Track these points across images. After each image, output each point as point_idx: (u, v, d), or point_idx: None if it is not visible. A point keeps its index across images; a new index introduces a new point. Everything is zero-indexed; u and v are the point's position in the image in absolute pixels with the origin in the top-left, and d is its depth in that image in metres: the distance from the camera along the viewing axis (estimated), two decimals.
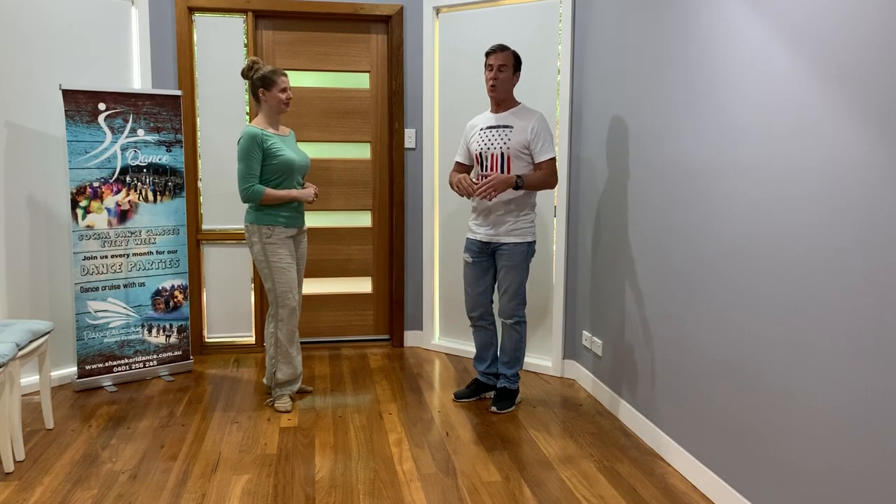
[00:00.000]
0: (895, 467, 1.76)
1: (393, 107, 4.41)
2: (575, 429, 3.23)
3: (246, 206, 3.36)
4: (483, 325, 3.55)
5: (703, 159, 2.61)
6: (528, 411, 3.45)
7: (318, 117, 4.44)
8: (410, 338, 4.57)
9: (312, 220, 4.53)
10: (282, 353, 3.44)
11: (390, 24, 4.34)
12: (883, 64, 1.78)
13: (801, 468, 2.11)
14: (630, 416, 3.24)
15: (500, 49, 3.29)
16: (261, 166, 3.30)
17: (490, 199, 3.25)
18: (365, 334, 4.66)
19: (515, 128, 3.32)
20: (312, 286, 4.58)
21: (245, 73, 3.38)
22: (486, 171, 3.39)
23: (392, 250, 4.54)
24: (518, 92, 3.99)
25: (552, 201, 3.96)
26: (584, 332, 3.82)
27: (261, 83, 3.34)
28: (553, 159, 3.31)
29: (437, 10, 4.28)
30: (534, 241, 3.40)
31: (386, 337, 4.69)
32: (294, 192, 3.34)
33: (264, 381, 3.69)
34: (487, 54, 3.31)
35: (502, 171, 3.35)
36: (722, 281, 2.50)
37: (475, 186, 3.23)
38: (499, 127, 3.37)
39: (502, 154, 3.34)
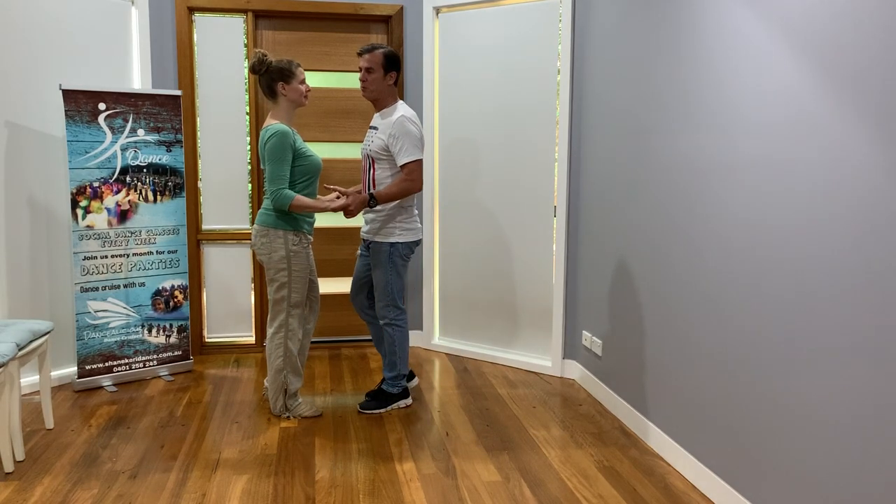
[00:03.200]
0: (895, 467, 1.77)
1: None
2: (575, 429, 3.23)
3: (264, 207, 3.19)
4: (366, 318, 3.58)
5: (703, 159, 2.61)
6: (528, 411, 3.45)
7: (319, 117, 4.44)
8: (411, 338, 4.57)
9: None
10: (291, 364, 3.27)
11: (390, 24, 4.35)
12: (884, 63, 1.78)
13: (800, 468, 2.11)
14: (630, 416, 3.24)
15: (367, 50, 3.24)
16: (290, 168, 3.12)
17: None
18: (365, 334, 4.66)
19: (379, 129, 3.28)
20: None
21: (256, 69, 3.12)
22: (363, 173, 3.39)
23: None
24: (518, 92, 3.99)
25: (552, 201, 3.96)
26: (584, 332, 3.82)
27: (279, 76, 3.12)
28: (414, 162, 3.21)
29: (437, 10, 4.28)
30: (401, 243, 3.31)
31: None
32: (329, 205, 3.15)
33: (265, 388, 3.48)
34: (357, 55, 3.29)
35: (368, 174, 3.34)
36: (722, 280, 2.50)
37: (331, 205, 3.20)
38: (371, 128, 3.37)
39: (368, 156, 3.34)
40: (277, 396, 3.30)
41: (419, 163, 3.23)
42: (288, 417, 3.32)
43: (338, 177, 4.47)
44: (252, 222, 4.37)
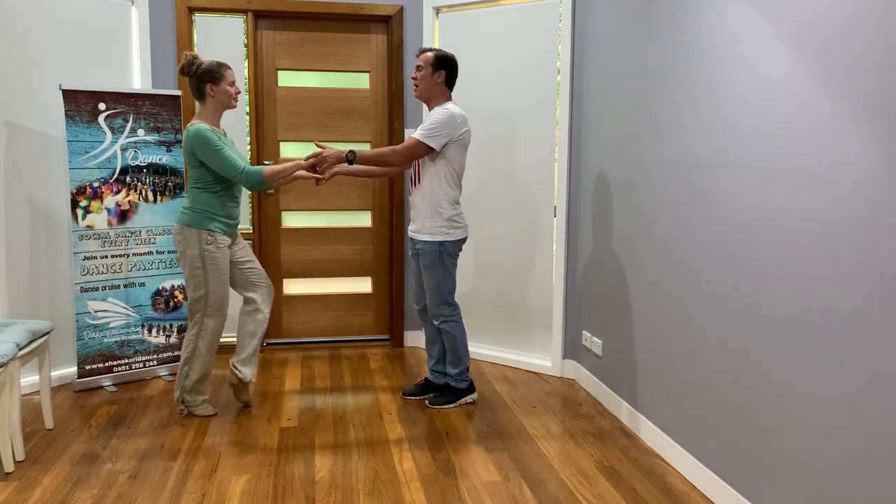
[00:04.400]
0: (894, 466, 1.77)
1: (393, 107, 4.41)
2: (575, 429, 3.23)
3: (184, 206, 3.18)
4: (426, 319, 3.58)
5: (703, 159, 2.61)
6: (529, 411, 3.45)
7: (318, 117, 4.44)
8: (410, 338, 4.57)
9: (312, 219, 4.53)
10: (199, 363, 3.26)
11: (390, 24, 4.35)
12: (884, 63, 1.78)
13: (800, 468, 2.11)
14: (630, 416, 3.24)
15: (422, 52, 3.34)
16: (204, 168, 3.12)
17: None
18: (365, 334, 4.66)
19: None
20: (313, 286, 4.58)
21: (186, 70, 3.13)
22: (413, 169, 3.42)
23: (392, 250, 4.54)
24: (518, 92, 3.99)
25: (552, 201, 3.96)
26: (584, 332, 3.82)
27: (208, 77, 3.14)
28: (420, 143, 3.22)
29: (437, 10, 4.28)
30: (450, 241, 3.32)
31: (386, 337, 4.69)
32: (300, 162, 3.12)
33: (175, 395, 3.35)
34: (416, 56, 3.37)
35: (414, 168, 3.38)
36: (722, 280, 2.50)
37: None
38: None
39: None
40: (182, 386, 3.31)
41: (422, 146, 3.23)
42: (182, 412, 3.33)
43: (337, 176, 4.47)
44: (251, 222, 4.37)
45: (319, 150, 3.21)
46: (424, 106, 3.36)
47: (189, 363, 3.27)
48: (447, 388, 3.51)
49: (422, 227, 3.35)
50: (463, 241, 3.41)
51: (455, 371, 3.48)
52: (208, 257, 3.17)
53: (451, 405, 3.48)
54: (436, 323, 3.45)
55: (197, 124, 3.12)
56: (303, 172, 3.14)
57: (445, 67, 3.33)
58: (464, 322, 3.55)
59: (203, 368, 3.29)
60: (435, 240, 3.32)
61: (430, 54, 3.33)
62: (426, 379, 3.62)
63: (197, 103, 3.20)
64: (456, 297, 4.39)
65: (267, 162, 3.38)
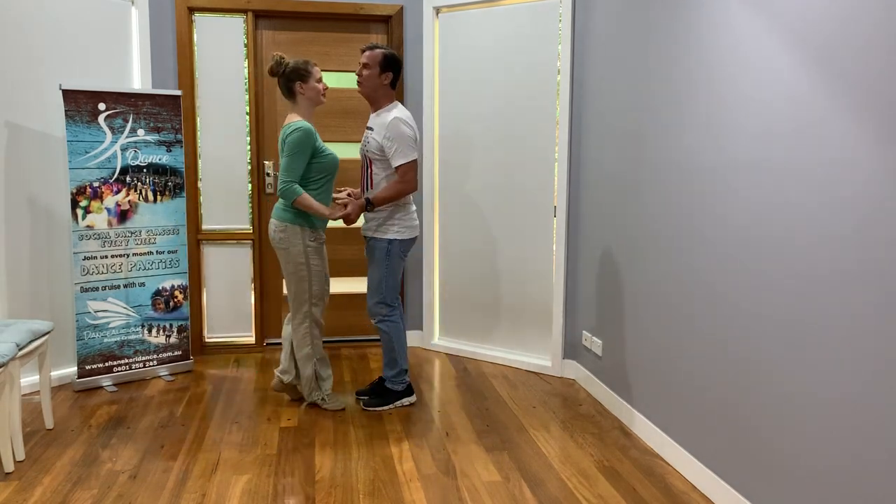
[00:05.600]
0: (894, 466, 1.77)
1: None
2: (575, 429, 3.23)
3: (282, 201, 3.25)
4: None
5: (703, 158, 2.61)
6: (529, 411, 3.45)
7: (319, 117, 4.44)
8: (410, 338, 4.57)
9: None
10: (319, 353, 3.37)
11: (390, 24, 4.34)
12: (884, 63, 1.78)
13: (800, 468, 2.11)
14: (630, 416, 3.24)
15: (368, 48, 3.28)
16: (307, 164, 3.19)
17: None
18: (365, 334, 4.66)
19: (374, 130, 3.31)
20: None
21: (275, 71, 3.21)
22: (362, 172, 3.43)
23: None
24: (518, 92, 3.99)
25: (552, 201, 3.96)
26: (584, 332, 3.82)
27: (296, 76, 3.20)
28: (408, 164, 3.23)
29: (437, 10, 4.28)
30: (398, 240, 3.32)
31: None
32: (326, 211, 3.22)
33: (284, 380, 3.43)
34: (360, 52, 3.33)
35: (366, 173, 3.38)
36: (722, 280, 2.50)
37: (334, 214, 3.24)
38: (367, 128, 3.39)
39: (365, 157, 3.38)
40: (312, 385, 3.38)
41: (413, 164, 3.25)
42: (323, 401, 3.40)
43: (338, 176, 4.47)
44: (251, 222, 4.37)
45: (348, 192, 3.36)
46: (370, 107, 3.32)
47: (315, 356, 3.35)
48: (384, 390, 3.47)
49: (373, 225, 3.36)
50: (413, 241, 3.39)
51: (391, 373, 3.45)
52: (312, 252, 3.26)
53: (387, 407, 3.44)
54: (373, 321, 3.43)
55: (301, 121, 3.16)
56: (327, 214, 3.25)
57: (393, 69, 3.30)
58: (402, 322, 3.48)
59: (326, 363, 3.41)
60: (385, 237, 3.32)
61: (378, 52, 3.26)
62: (380, 378, 3.57)
63: (289, 102, 3.28)
64: (456, 297, 4.40)
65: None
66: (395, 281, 3.38)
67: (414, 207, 3.41)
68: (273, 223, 3.27)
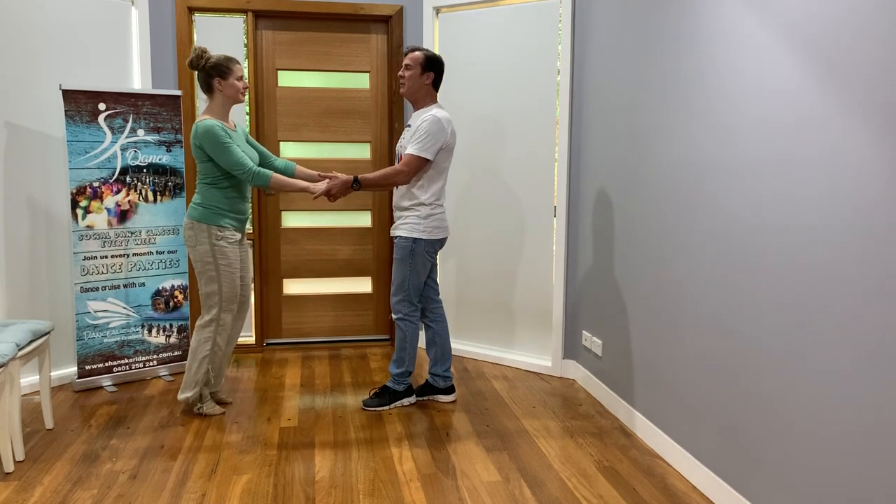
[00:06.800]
0: (894, 466, 1.76)
1: (393, 107, 4.41)
2: (575, 429, 3.23)
3: (193, 201, 3.21)
4: (423, 320, 3.58)
5: (703, 159, 2.61)
6: (528, 411, 3.45)
7: (318, 117, 4.44)
8: None
9: (312, 219, 4.53)
10: (215, 354, 3.27)
11: (390, 24, 4.35)
12: (885, 62, 1.78)
13: (801, 468, 2.11)
14: (630, 416, 3.24)
15: (410, 50, 3.33)
16: (213, 164, 3.12)
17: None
18: (365, 334, 4.66)
19: (412, 127, 3.34)
20: (313, 286, 4.58)
21: (194, 63, 3.12)
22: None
23: (392, 250, 4.54)
24: (518, 92, 3.99)
25: (552, 201, 3.96)
26: (584, 332, 3.82)
27: (216, 72, 3.13)
28: (417, 158, 3.23)
29: (437, 10, 4.28)
30: (425, 240, 3.31)
31: (386, 337, 4.69)
32: (306, 186, 3.16)
33: (189, 395, 3.28)
34: (403, 54, 3.34)
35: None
36: (722, 280, 2.50)
37: (312, 189, 3.22)
38: (406, 126, 3.42)
39: (398, 152, 3.41)
40: (195, 388, 3.27)
41: (421, 161, 3.24)
42: (199, 409, 3.31)
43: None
44: (252, 222, 4.37)
45: (323, 175, 3.33)
46: (409, 105, 3.38)
47: (207, 360, 3.25)
48: (384, 389, 3.48)
49: (399, 223, 3.36)
50: (440, 242, 3.39)
51: (396, 371, 3.46)
52: (219, 252, 3.19)
53: (386, 407, 3.45)
54: (393, 317, 3.45)
55: (206, 120, 3.11)
56: (311, 187, 3.21)
57: (434, 69, 3.33)
58: (447, 323, 3.50)
59: (221, 364, 3.32)
60: (410, 236, 3.32)
61: (419, 54, 3.31)
62: (426, 381, 3.61)
63: (205, 97, 3.22)
64: (456, 297, 4.39)
65: (282, 163, 3.44)
66: (419, 281, 3.39)
67: (443, 208, 3.40)
68: (184, 221, 3.23)
